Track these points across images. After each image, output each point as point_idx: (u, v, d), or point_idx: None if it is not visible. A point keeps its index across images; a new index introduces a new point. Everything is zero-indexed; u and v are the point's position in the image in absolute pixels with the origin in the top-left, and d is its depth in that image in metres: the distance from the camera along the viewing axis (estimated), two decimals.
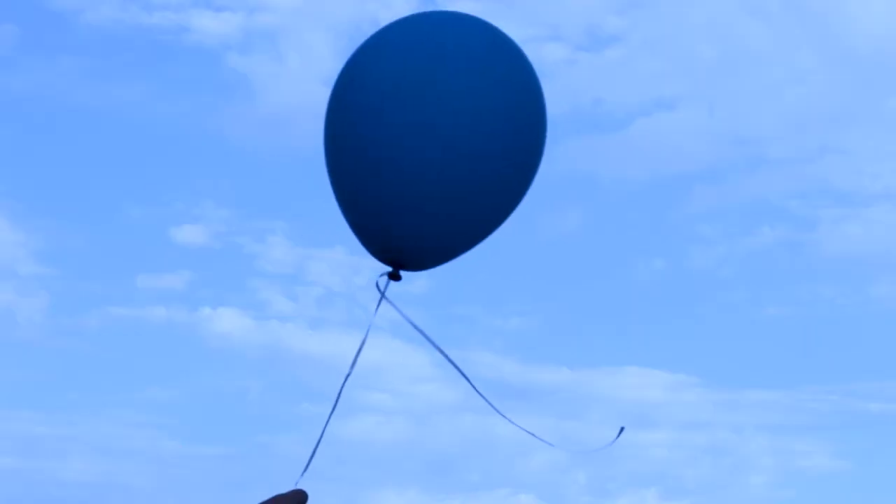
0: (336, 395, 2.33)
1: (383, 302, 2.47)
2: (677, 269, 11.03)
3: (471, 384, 2.42)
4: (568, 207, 11.14)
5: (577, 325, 10.99)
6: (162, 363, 10.72)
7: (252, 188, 11.00)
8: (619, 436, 2.43)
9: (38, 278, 10.57)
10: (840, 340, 10.84)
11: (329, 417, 2.28)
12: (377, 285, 2.52)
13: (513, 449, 10.75)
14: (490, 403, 2.42)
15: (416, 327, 2.44)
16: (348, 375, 2.39)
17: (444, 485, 10.50)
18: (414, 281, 2.58)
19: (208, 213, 10.79)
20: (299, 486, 2.06)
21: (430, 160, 2.45)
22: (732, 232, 11.05)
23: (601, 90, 11.27)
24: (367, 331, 2.41)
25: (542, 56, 10.91)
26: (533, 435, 2.44)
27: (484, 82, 2.49)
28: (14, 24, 10.85)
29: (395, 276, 2.55)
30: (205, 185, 11.00)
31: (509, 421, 2.44)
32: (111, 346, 10.59)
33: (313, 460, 2.18)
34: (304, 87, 11.11)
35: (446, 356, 2.48)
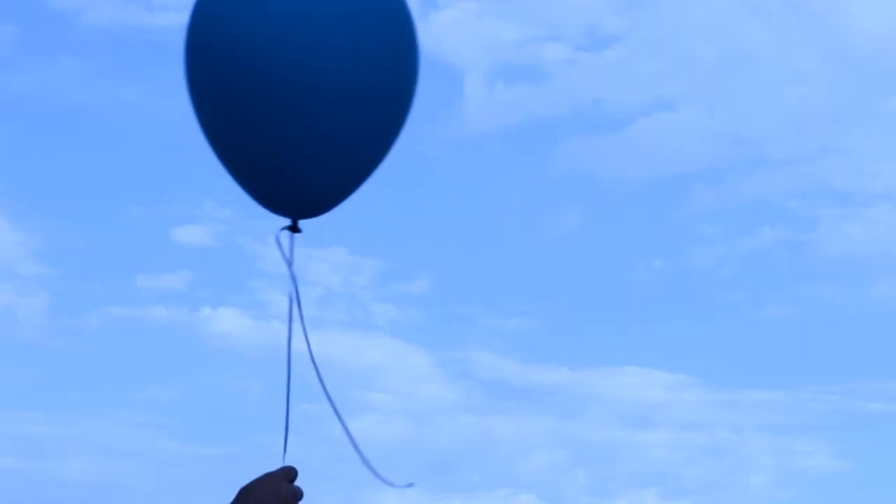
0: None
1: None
2: (677, 269, 11.04)
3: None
4: (568, 207, 11.15)
5: (578, 325, 11.00)
6: (162, 363, 10.73)
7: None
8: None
9: (38, 278, 10.58)
10: (840, 340, 10.86)
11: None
12: (277, 241, 2.51)
13: (513, 449, 10.76)
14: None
15: (293, 280, 2.41)
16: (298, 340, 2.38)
17: (445, 485, 10.51)
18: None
19: (209, 213, 10.80)
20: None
21: (300, 98, 2.41)
22: (732, 232, 11.06)
23: (601, 90, 11.28)
24: (295, 291, 2.40)
25: (543, 56, 10.93)
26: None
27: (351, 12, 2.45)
28: (14, 24, 10.86)
29: (294, 228, 2.53)
30: (206, 185, 11.01)
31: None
32: (111, 346, 10.60)
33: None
34: None
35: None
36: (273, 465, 2.05)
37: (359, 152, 2.54)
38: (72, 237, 10.89)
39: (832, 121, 11.18)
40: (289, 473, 2.02)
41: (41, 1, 11.15)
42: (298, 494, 2.00)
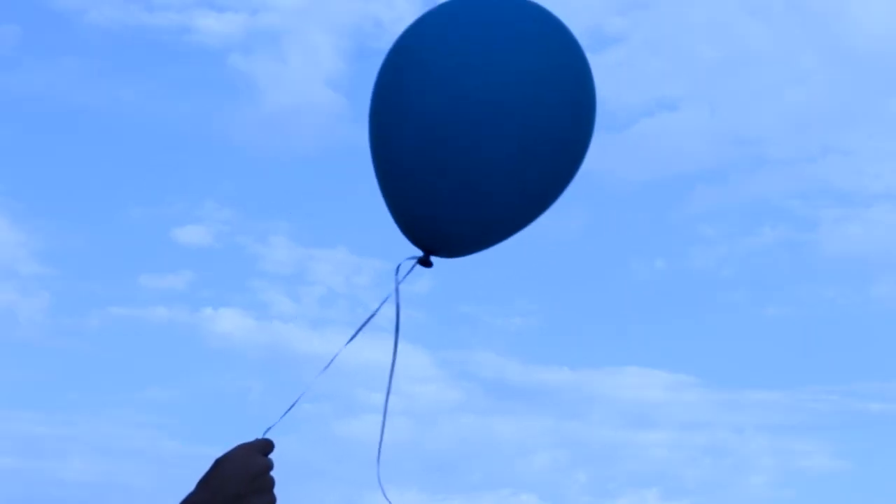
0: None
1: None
2: (678, 270, 11.04)
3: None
4: (569, 207, 11.14)
5: (578, 325, 11.00)
6: (163, 363, 10.74)
7: (254, 188, 11.01)
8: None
9: (39, 278, 10.58)
10: (841, 340, 10.86)
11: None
12: (398, 269, 2.44)
13: (514, 449, 10.76)
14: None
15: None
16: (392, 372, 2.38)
17: (446, 485, 10.51)
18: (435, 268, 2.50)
19: (210, 213, 10.80)
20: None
21: (477, 146, 2.39)
22: (733, 232, 11.06)
23: (603, 90, 11.22)
24: (398, 318, 2.38)
25: None
26: None
27: (536, 66, 2.43)
28: (16, 25, 10.87)
29: (426, 262, 2.48)
30: (207, 185, 11.02)
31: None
32: (112, 346, 10.61)
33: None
34: (306, 87, 11.13)
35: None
36: (274, 465, 2.05)
37: (518, 213, 2.56)
38: (73, 237, 10.91)
39: (833, 121, 11.19)
40: (265, 447, 2.02)
41: (43, 1, 11.17)
42: (270, 467, 2.00)
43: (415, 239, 2.48)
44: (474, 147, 2.39)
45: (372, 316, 2.34)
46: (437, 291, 10.40)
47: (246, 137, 11.10)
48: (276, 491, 2.05)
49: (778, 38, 11.02)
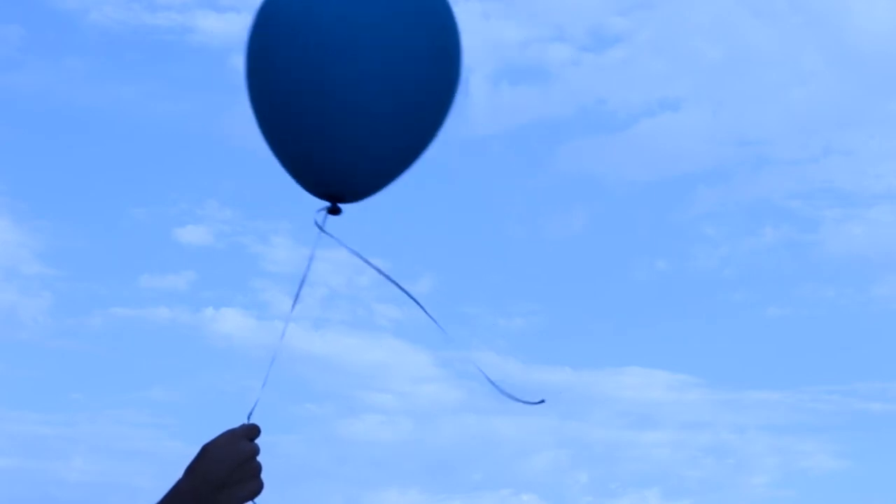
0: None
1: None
2: (680, 270, 11.04)
3: (425, 311, 2.45)
4: (572, 208, 11.15)
5: (580, 325, 11.01)
6: (164, 363, 10.74)
7: (256, 188, 11.02)
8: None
9: (41, 278, 10.59)
10: (842, 341, 10.86)
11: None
12: (316, 222, 2.51)
13: (515, 449, 10.77)
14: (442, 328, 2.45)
15: (359, 255, 2.45)
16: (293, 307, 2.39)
17: (446, 485, 10.51)
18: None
19: (212, 213, 10.81)
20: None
21: (352, 85, 2.48)
22: (735, 232, 11.06)
23: (605, 91, 11.26)
24: (308, 265, 2.43)
25: (547, 57, 10.94)
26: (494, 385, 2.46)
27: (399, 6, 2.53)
28: (19, 25, 10.88)
29: (334, 211, 2.56)
30: (208, 185, 11.02)
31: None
32: (114, 346, 10.62)
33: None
34: None
35: (393, 280, 2.49)
36: (275, 465, 2.05)
37: (402, 138, 2.62)
38: (75, 237, 10.92)
39: (835, 122, 11.19)
40: (250, 432, 2.02)
41: (46, 1, 11.17)
42: (256, 452, 2.00)
43: (319, 190, 2.57)
44: (347, 92, 2.49)
45: (306, 274, 2.41)
46: (437, 291, 10.41)
47: (247, 137, 11.07)
48: (278, 490, 2.05)
49: (780, 39, 11.03)
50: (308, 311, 10.48)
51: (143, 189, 11.01)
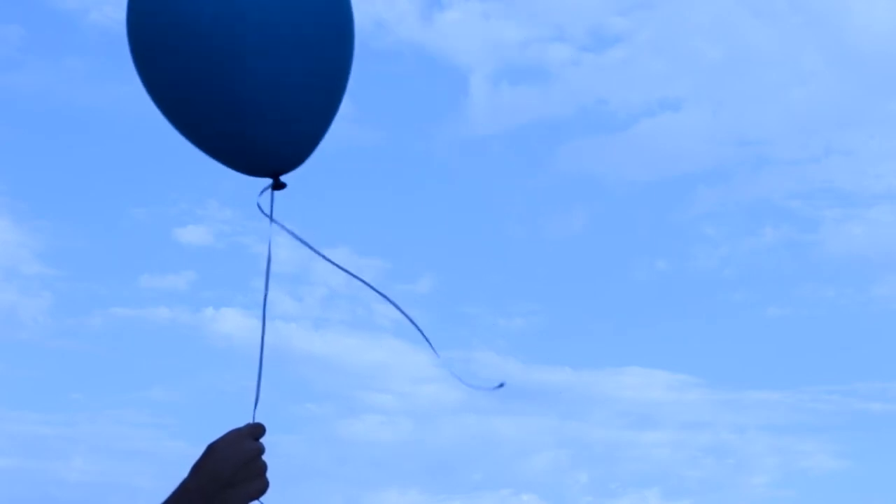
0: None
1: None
2: (680, 270, 11.04)
3: (387, 299, 2.41)
4: (572, 208, 11.16)
5: (580, 325, 11.01)
6: (165, 363, 10.75)
7: (257, 188, 11.01)
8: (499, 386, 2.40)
9: (41, 278, 10.59)
10: (842, 341, 10.86)
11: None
12: (259, 206, 2.50)
13: (515, 449, 10.77)
14: (413, 323, 2.41)
15: (301, 240, 2.43)
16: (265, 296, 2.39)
17: (447, 485, 10.52)
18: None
19: (212, 213, 10.81)
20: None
21: (239, 52, 2.45)
22: (735, 232, 11.07)
23: (605, 91, 11.27)
24: (269, 248, 2.41)
25: (547, 57, 10.94)
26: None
27: None
28: (19, 25, 10.88)
29: (278, 186, 2.53)
30: (208, 185, 11.02)
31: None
32: (114, 346, 10.62)
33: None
34: None
35: (338, 265, 2.46)
36: (276, 465, 2.06)
37: (311, 93, 2.56)
38: (75, 237, 10.92)
39: (835, 122, 11.20)
40: (255, 431, 2.03)
41: (46, 1, 11.18)
42: (262, 451, 2.01)
43: (258, 168, 2.55)
44: (246, 63, 2.45)
45: (269, 265, 2.40)
46: (438, 292, 10.41)
47: None
48: (279, 490, 2.05)
49: (781, 39, 11.03)
50: (308, 311, 10.48)
51: (143, 189, 11.02)
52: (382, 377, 10.60)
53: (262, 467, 2.00)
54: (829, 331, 10.87)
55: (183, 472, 1.97)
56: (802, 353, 10.86)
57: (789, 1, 11.05)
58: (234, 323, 10.54)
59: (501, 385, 2.34)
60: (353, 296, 10.51)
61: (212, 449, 1.97)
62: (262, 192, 2.50)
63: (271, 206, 2.47)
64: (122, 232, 10.91)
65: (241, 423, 2.05)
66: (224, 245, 10.72)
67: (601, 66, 11.13)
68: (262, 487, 1.99)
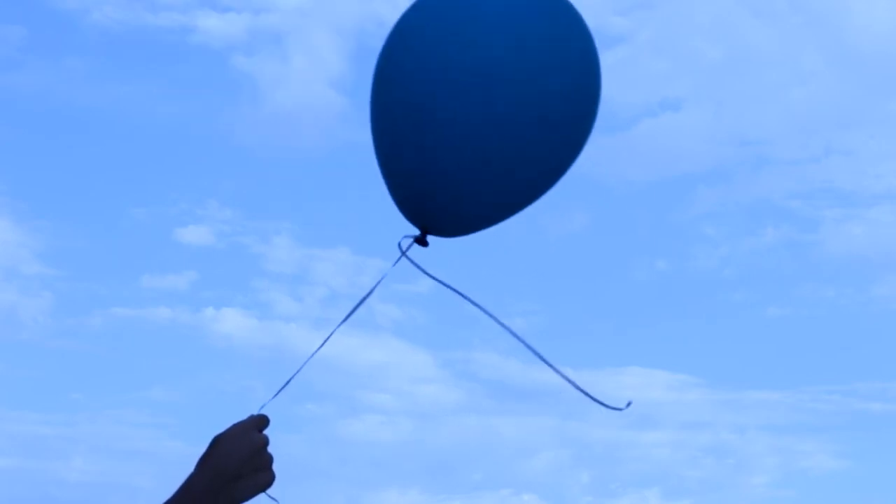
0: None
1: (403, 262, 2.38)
2: (680, 270, 11.04)
3: (526, 345, 2.37)
4: (572, 208, 11.15)
5: (580, 325, 11.01)
6: (165, 364, 10.75)
7: (257, 188, 11.02)
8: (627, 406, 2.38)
9: (41, 278, 10.59)
10: (842, 341, 10.86)
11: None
12: (399, 245, 2.43)
13: (515, 449, 10.77)
14: (544, 359, 2.37)
15: (445, 284, 2.39)
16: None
17: (447, 485, 10.52)
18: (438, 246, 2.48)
19: (213, 213, 10.81)
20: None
21: (472, 124, 2.34)
22: (735, 232, 11.07)
23: (606, 91, 11.24)
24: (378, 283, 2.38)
25: None
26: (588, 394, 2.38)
27: (534, 44, 2.37)
28: (21, 25, 10.88)
29: (422, 242, 2.47)
30: (209, 185, 11.02)
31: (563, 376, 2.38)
32: (114, 346, 10.62)
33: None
34: (309, 87, 11.14)
35: (484, 310, 2.41)
36: (277, 465, 2.06)
37: (517, 191, 2.49)
38: (75, 237, 10.92)
39: (836, 122, 11.20)
40: (260, 422, 2.02)
41: (48, 1, 11.18)
42: (267, 443, 2.01)
43: (411, 215, 2.47)
44: (472, 123, 2.34)
45: (369, 293, 2.36)
46: (438, 292, 10.39)
47: (248, 137, 11.11)
48: (278, 491, 2.05)
49: (781, 39, 11.03)
50: (308, 311, 10.48)
51: (144, 189, 11.02)
52: (382, 377, 10.60)
53: (269, 459, 2.00)
54: (829, 331, 10.88)
55: (183, 472, 1.97)
56: (802, 353, 10.87)
57: (789, 1, 11.06)
58: (234, 323, 10.55)
59: (629, 404, 2.35)
60: (354, 296, 10.49)
61: (217, 441, 1.97)
62: (406, 238, 2.45)
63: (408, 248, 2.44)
64: (123, 232, 10.93)
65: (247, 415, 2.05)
66: (224, 245, 10.73)
67: (601, 66, 11.11)
68: (269, 479, 1.99)
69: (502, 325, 2.36)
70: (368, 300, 2.32)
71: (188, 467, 1.97)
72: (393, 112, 2.44)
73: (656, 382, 10.67)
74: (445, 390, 10.49)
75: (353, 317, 2.30)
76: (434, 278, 2.39)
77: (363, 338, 10.49)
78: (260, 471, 1.97)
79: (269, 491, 2.01)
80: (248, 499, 1.97)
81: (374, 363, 10.54)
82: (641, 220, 11.29)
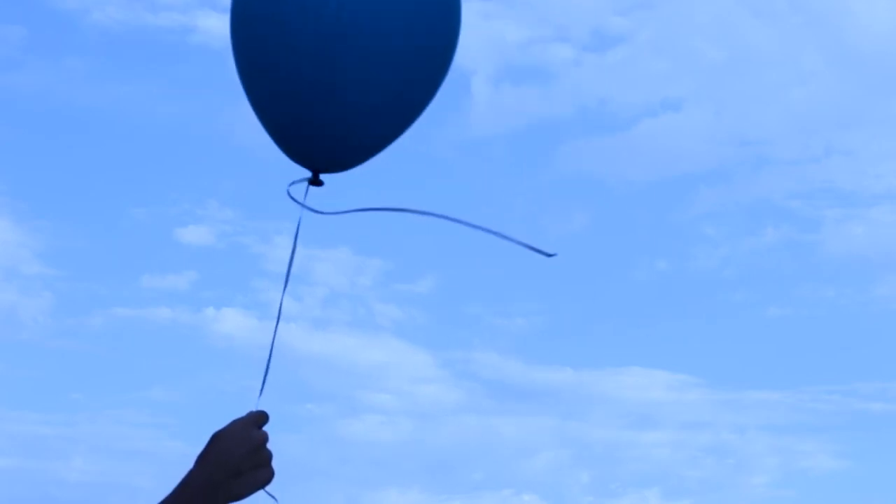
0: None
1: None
2: (680, 270, 11.04)
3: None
4: (573, 208, 11.16)
5: (581, 325, 11.01)
6: (165, 364, 10.76)
7: (257, 188, 11.02)
8: None
9: (42, 278, 10.59)
10: (842, 341, 10.86)
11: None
12: (289, 193, 2.47)
13: (516, 449, 10.77)
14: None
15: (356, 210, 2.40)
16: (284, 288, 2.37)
17: (447, 485, 10.52)
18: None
19: (213, 213, 10.82)
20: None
21: (341, 55, 2.42)
22: (736, 232, 11.07)
23: (607, 91, 11.27)
24: (295, 239, 2.39)
25: (548, 57, 10.94)
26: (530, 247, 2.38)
27: None
28: (21, 25, 10.88)
29: (315, 182, 2.50)
30: (209, 185, 11.03)
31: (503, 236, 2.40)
32: (114, 346, 10.63)
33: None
34: None
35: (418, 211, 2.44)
36: (277, 466, 2.06)
37: (391, 110, 2.54)
38: (75, 237, 10.92)
39: (836, 122, 11.20)
40: (259, 419, 2.02)
41: (48, 2, 11.18)
42: (266, 439, 2.01)
43: (301, 159, 2.51)
44: (338, 60, 2.42)
45: (294, 249, 2.38)
46: (439, 292, 10.42)
47: (249, 137, 11.11)
48: (278, 491, 2.05)
49: (781, 39, 11.04)
50: (308, 311, 10.48)
51: (144, 189, 11.03)
52: (382, 377, 10.61)
53: (268, 456, 1.99)
54: (829, 331, 10.89)
55: (183, 473, 1.97)
56: (802, 353, 10.87)
57: (789, 1, 11.06)
58: (234, 323, 10.56)
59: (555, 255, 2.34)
60: (354, 296, 10.52)
61: (217, 438, 1.97)
62: (296, 182, 2.47)
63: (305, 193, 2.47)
64: (123, 232, 10.93)
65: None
66: (225, 245, 10.74)
67: (602, 66, 11.13)
68: (269, 476, 1.99)
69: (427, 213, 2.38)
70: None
71: (188, 467, 1.97)
72: (274, 65, 2.48)
73: (656, 382, 10.69)
74: (445, 390, 10.50)
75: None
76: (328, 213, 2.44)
77: (363, 338, 10.51)
78: (259, 467, 1.97)
79: (268, 488, 2.01)
80: (247, 495, 1.97)
81: (374, 363, 10.55)
82: (641, 220, 11.30)
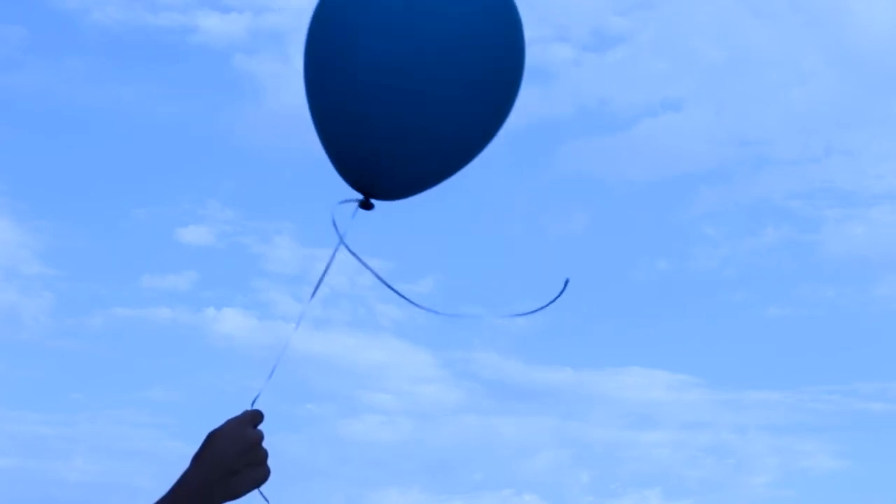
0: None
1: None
2: (681, 270, 11.04)
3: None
4: (573, 208, 11.16)
5: (581, 325, 11.01)
6: (166, 364, 10.76)
7: (258, 188, 11.02)
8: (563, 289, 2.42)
9: (42, 279, 10.60)
10: (842, 341, 10.86)
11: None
12: (334, 221, 2.48)
13: (516, 449, 10.77)
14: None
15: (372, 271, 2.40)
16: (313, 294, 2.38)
17: (447, 485, 10.52)
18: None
19: (213, 213, 10.82)
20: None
21: (407, 87, 2.44)
22: (736, 232, 11.07)
23: (607, 91, 11.28)
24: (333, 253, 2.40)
25: (548, 57, 10.95)
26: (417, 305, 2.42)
27: (461, 10, 2.47)
28: (21, 25, 10.89)
29: (366, 205, 2.51)
30: (210, 185, 11.03)
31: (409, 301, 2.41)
32: (115, 346, 10.63)
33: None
34: None
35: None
36: (277, 466, 2.06)
37: (452, 147, 2.60)
38: (75, 237, 10.92)
39: (836, 122, 11.20)
40: (255, 418, 2.02)
41: (48, 2, 11.18)
42: (262, 438, 2.01)
43: (353, 181, 2.51)
44: (410, 87, 2.43)
45: (327, 268, 2.39)
46: (439, 292, 10.41)
47: (249, 137, 11.12)
48: (278, 490, 2.06)
49: (782, 39, 11.04)
50: (309, 311, 10.48)
51: (145, 189, 11.03)
52: (382, 377, 10.61)
53: (264, 455, 1.99)
54: (829, 331, 10.89)
55: (180, 472, 1.97)
56: (802, 353, 10.87)
57: (789, 1, 11.06)
58: (234, 323, 10.56)
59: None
60: (355, 296, 10.52)
61: (212, 437, 1.97)
62: (346, 201, 2.49)
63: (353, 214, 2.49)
64: (123, 232, 10.93)
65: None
66: (225, 245, 10.74)
67: (602, 66, 11.14)
68: (265, 475, 1.99)
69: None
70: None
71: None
72: (339, 81, 2.50)
73: (656, 382, 10.69)
74: (445, 390, 10.50)
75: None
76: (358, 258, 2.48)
77: (363, 338, 10.50)
78: (255, 466, 1.97)
79: (265, 487, 2.01)
80: (243, 494, 1.97)
81: (375, 363, 10.55)
82: (641, 220, 11.30)
